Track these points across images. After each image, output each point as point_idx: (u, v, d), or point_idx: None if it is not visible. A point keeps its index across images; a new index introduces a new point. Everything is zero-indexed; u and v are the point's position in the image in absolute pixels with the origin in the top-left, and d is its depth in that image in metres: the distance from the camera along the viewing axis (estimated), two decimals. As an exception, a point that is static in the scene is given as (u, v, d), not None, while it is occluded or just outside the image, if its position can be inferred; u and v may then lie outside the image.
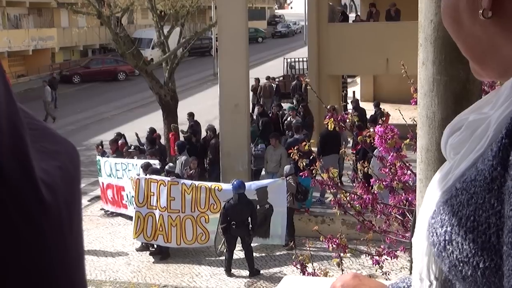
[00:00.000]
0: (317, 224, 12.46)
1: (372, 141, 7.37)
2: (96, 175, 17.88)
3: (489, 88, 6.38)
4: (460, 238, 0.93)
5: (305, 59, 27.82)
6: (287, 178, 14.23)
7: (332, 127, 7.73)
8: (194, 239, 14.36)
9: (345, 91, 25.49)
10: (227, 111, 16.67)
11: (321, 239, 7.89)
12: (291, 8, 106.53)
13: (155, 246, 14.84)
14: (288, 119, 20.06)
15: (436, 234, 0.97)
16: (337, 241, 7.47)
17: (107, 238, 15.91)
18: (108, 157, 17.80)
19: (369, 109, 21.03)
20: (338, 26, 22.81)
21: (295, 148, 8.61)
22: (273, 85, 28.24)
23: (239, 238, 13.45)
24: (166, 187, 14.36)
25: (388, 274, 7.92)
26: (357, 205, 7.62)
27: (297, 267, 7.97)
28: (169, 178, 14.50)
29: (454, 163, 1.01)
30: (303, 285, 2.99)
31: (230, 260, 13.55)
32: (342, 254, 7.64)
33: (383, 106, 19.15)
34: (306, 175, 8.61)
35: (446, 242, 0.95)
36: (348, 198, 7.73)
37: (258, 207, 13.93)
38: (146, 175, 14.86)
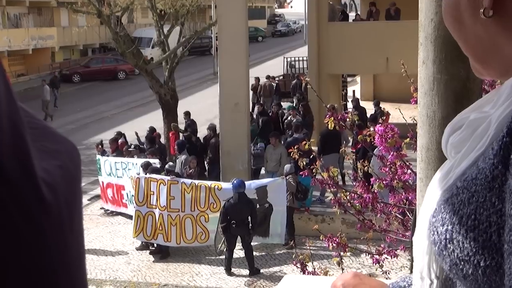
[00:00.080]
0: (317, 223, 12.46)
1: (372, 140, 7.37)
2: (96, 174, 17.88)
3: (489, 87, 6.39)
4: (461, 236, 0.93)
5: (305, 58, 27.83)
6: (287, 177, 14.24)
7: (332, 126, 7.73)
8: (193, 238, 14.36)
9: (345, 90, 25.50)
10: (227, 110, 16.67)
11: (321, 238, 7.89)
12: (291, 7, 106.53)
13: (155, 245, 14.84)
14: (289, 118, 20.06)
15: (437, 232, 0.97)
16: (337, 240, 7.48)
17: (107, 237, 15.91)
18: (108, 156, 17.80)
19: (369, 108, 21.03)
20: (338, 25, 22.82)
21: (295, 147, 8.61)
22: (273, 84, 28.25)
23: (239, 237, 13.46)
24: (166, 186, 14.36)
25: (388, 273, 7.92)
26: (357, 204, 7.62)
27: (297, 266, 7.98)
28: (169, 177, 14.50)
29: (455, 162, 1.01)
30: (303, 284, 2.99)
31: (230, 259, 13.55)
32: (342, 253, 7.64)
33: (383, 105, 19.13)
34: (306, 174, 8.61)
35: (447, 240, 0.95)
36: (348, 197, 7.73)
37: (257, 206, 13.93)
38: (146, 174, 14.87)
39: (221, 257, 14.02)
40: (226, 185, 14.10)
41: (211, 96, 28.24)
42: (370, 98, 26.53)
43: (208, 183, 14.61)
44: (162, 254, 14.58)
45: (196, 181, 14.61)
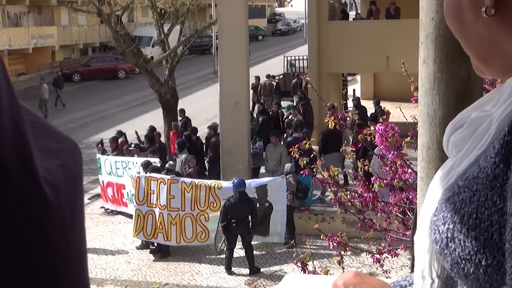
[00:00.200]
0: (317, 222, 12.46)
1: (372, 139, 7.36)
2: (96, 173, 17.88)
3: (489, 86, 6.39)
4: (462, 235, 0.93)
5: (305, 57, 27.82)
6: (287, 177, 14.24)
7: (333, 125, 7.73)
8: (194, 238, 14.36)
9: (345, 89, 25.49)
10: (227, 109, 16.67)
11: (321, 238, 7.89)
12: (291, 6, 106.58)
13: (155, 244, 14.84)
14: (289, 117, 20.06)
15: (438, 231, 0.97)
16: (337, 239, 7.47)
17: (107, 236, 15.91)
18: (108, 155, 17.81)
19: (369, 107, 21.05)
20: (339, 24, 22.82)
21: (295, 147, 8.61)
22: (273, 83, 28.24)
23: (239, 236, 13.46)
24: (166, 185, 14.36)
25: (389, 272, 7.92)
26: (358, 203, 7.62)
27: (297, 265, 7.97)
28: (169, 176, 14.50)
29: (456, 161, 1.01)
30: (304, 283, 2.99)
31: (230, 258, 13.55)
32: (342, 252, 7.63)
33: (383, 104, 19.13)
34: (306, 173, 8.61)
35: (448, 239, 0.95)
36: (348, 197, 7.73)
37: (258, 205, 13.93)
38: (146, 173, 14.87)
39: (221, 256, 14.02)
40: (226, 184, 14.11)
41: (211, 95, 28.23)
42: (370, 97, 26.53)
43: (208, 182, 14.61)
44: (162, 253, 14.58)
45: (196, 180, 14.61)
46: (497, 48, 0.95)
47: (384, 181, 7.40)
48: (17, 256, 0.67)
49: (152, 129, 19.65)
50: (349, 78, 30.43)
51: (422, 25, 3.32)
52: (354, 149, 12.03)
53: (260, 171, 17.69)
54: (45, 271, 0.70)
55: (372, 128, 7.80)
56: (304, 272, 7.73)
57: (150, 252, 14.81)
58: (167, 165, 15.41)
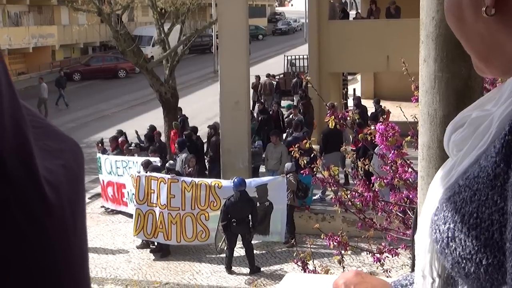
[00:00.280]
0: (318, 222, 12.47)
1: (373, 138, 7.36)
2: (97, 173, 17.89)
3: (490, 85, 6.39)
4: (463, 235, 0.93)
5: (305, 56, 27.82)
6: (288, 176, 14.24)
7: (333, 125, 7.72)
8: (194, 237, 14.36)
9: (345, 89, 25.49)
10: (227, 108, 16.67)
11: (322, 237, 7.89)
12: (292, 5, 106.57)
13: (156, 243, 14.84)
14: (290, 116, 20.06)
15: (439, 231, 0.97)
16: (338, 238, 7.47)
17: (107, 235, 15.92)
18: (108, 154, 17.80)
19: (370, 107, 21.05)
20: (339, 24, 22.81)
21: (295, 146, 8.61)
22: (273, 82, 28.24)
23: (239, 236, 13.46)
24: (166, 184, 14.36)
25: (389, 272, 7.92)
26: (358, 203, 7.62)
27: (298, 265, 7.97)
28: (169, 176, 14.51)
29: (457, 160, 1.01)
30: (305, 283, 2.99)
31: (230, 258, 13.55)
32: (343, 252, 7.63)
33: (384, 103, 19.13)
34: (307, 173, 8.61)
35: (449, 239, 0.95)
36: (349, 196, 7.73)
37: (258, 204, 13.94)
38: (146, 172, 14.87)
39: (221, 255, 14.02)
40: (226, 183, 14.11)
41: (212, 95, 28.22)
42: (370, 96, 26.52)
43: (209, 181, 14.61)
44: (162, 252, 14.59)
45: (197, 179, 14.62)
46: (498, 48, 0.95)
47: (385, 181, 7.40)
48: (17, 255, 0.67)
49: (152, 128, 19.65)
50: (349, 77, 30.41)
51: (422, 24, 3.32)
52: (354, 148, 12.03)
53: (260, 170, 17.69)
54: (46, 271, 0.69)
55: (372, 127, 7.80)
56: (305, 271, 7.73)
57: (151, 252, 14.81)
58: (167, 165, 15.41)
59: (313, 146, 8.48)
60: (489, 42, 0.95)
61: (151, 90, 23.08)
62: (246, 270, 13.55)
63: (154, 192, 14.50)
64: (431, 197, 1.04)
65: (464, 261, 0.93)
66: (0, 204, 0.66)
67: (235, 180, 13.48)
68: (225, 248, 13.72)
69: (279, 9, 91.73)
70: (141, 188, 14.56)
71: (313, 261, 8.25)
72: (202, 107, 29.91)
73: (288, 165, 14.48)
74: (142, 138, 19.64)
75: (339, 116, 7.78)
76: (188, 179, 14.54)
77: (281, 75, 31.65)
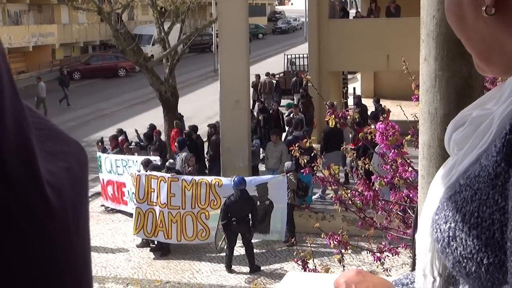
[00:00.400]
0: (318, 221, 12.49)
1: (373, 137, 7.36)
2: (97, 172, 17.88)
3: (490, 84, 6.38)
4: (464, 234, 0.93)
5: (305, 55, 27.81)
6: (288, 175, 14.24)
7: (333, 124, 7.72)
8: (194, 236, 14.37)
9: (346, 88, 25.50)
10: (227, 107, 16.67)
11: (322, 236, 7.89)
12: (292, 4, 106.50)
13: (156, 242, 14.85)
14: (291, 115, 20.06)
15: (440, 230, 0.98)
16: (338, 237, 7.47)
17: (107, 234, 15.92)
18: (108, 153, 17.80)
19: (370, 105, 21.06)
20: (339, 22, 22.81)
21: (295, 145, 8.61)
22: (273, 81, 28.24)
23: (239, 235, 13.46)
24: (167, 183, 14.37)
25: (389, 271, 7.92)
26: (358, 202, 7.62)
27: (298, 264, 7.97)
28: (169, 175, 14.51)
29: (458, 159, 1.01)
30: (306, 281, 2.99)
31: (230, 257, 13.56)
32: (343, 251, 7.63)
33: (384, 102, 19.13)
34: (307, 172, 8.61)
35: (450, 238, 0.95)
36: (349, 195, 7.73)
37: (258, 203, 13.93)
38: (146, 171, 14.88)
39: (221, 254, 14.02)
40: (227, 181, 14.11)
41: (212, 93, 28.21)
42: (370, 95, 26.52)
43: (209, 179, 14.60)
44: (162, 251, 14.59)
45: (197, 178, 14.62)
46: (498, 47, 0.95)
47: (385, 180, 7.40)
48: (19, 257, 0.66)
49: (152, 127, 19.63)
50: (349, 76, 30.42)
51: (423, 23, 3.32)
52: (352, 147, 12.03)
53: (260, 169, 17.69)
54: (48, 275, 0.69)
55: (372, 126, 7.80)
56: (305, 270, 7.73)
57: (151, 250, 14.81)
58: (167, 163, 15.41)
59: (313, 145, 8.48)
60: (490, 41, 0.95)
61: (151, 89, 23.07)
62: (246, 269, 13.55)
63: (154, 191, 14.51)
64: (431, 196, 1.04)
65: (465, 260, 0.93)
66: None
67: (235, 179, 13.48)
68: (225, 247, 13.72)
69: (279, 8, 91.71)
70: (141, 187, 14.56)
71: (313, 260, 8.25)
72: (202, 106, 29.92)
73: (288, 164, 14.48)
74: (142, 137, 19.64)
75: (339, 115, 7.78)
76: (188, 178, 14.54)
77: (281, 74, 31.65)
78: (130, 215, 15.75)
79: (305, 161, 8.42)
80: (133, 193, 15.35)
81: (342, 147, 8.98)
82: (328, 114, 7.74)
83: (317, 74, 21.04)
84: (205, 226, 14.31)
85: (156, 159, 16.01)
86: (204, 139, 19.55)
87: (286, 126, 19.68)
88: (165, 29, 22.75)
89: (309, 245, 8.43)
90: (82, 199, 0.76)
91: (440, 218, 0.98)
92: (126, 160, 16.82)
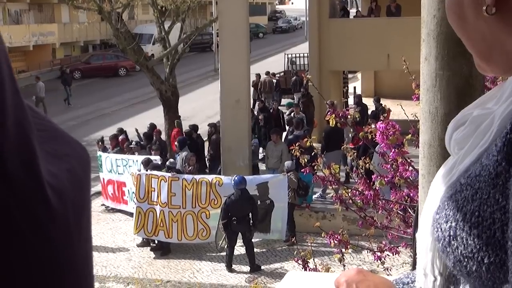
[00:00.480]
0: (318, 220, 12.48)
1: (373, 137, 7.36)
2: (97, 171, 17.88)
3: (491, 84, 6.38)
4: (464, 233, 0.93)
5: (306, 54, 27.81)
6: (289, 174, 14.23)
7: (334, 123, 7.72)
8: (195, 235, 14.37)
9: (346, 87, 25.50)
10: (228, 106, 16.66)
11: (322, 235, 7.88)
12: (292, 3, 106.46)
13: (156, 241, 14.85)
14: (291, 114, 20.05)
15: (441, 229, 0.98)
16: (338, 237, 7.47)
17: (108, 233, 15.92)
18: (109, 152, 17.79)
19: (370, 105, 21.06)
20: (339, 22, 22.81)
21: (296, 145, 8.60)
22: (273, 80, 28.22)
23: (240, 234, 13.46)
24: (167, 182, 14.37)
25: (390, 270, 7.91)
26: (359, 201, 7.61)
27: (298, 263, 7.97)
28: (170, 174, 14.51)
29: (459, 158, 1.01)
30: (306, 281, 3.00)
31: (231, 256, 13.56)
32: (343, 250, 7.63)
33: (384, 101, 19.13)
34: (307, 171, 8.60)
35: (451, 237, 0.96)
36: (349, 194, 7.73)
37: (259, 202, 13.93)
38: (147, 170, 14.88)
39: (222, 253, 14.02)
40: (227, 180, 14.11)
41: (212, 93, 28.22)
42: (371, 94, 26.52)
43: (209, 178, 14.60)
44: (163, 250, 14.59)
45: (197, 177, 14.62)
46: (499, 46, 0.95)
47: (385, 179, 7.40)
48: (19, 258, 0.65)
49: (152, 126, 19.63)
50: (349, 75, 30.40)
51: (424, 22, 3.32)
52: (352, 147, 12.03)
53: (260, 168, 17.69)
54: (49, 279, 0.68)
55: (372, 126, 7.80)
56: (305, 269, 7.73)
57: (151, 250, 14.82)
58: (168, 163, 15.41)
59: (314, 145, 8.48)
60: (490, 40, 0.95)
61: (152, 88, 23.07)
62: (247, 268, 13.55)
63: (154, 190, 14.51)
64: (432, 196, 1.04)
65: (466, 259, 0.93)
66: None
67: (236, 178, 13.48)
68: (226, 246, 13.72)
69: (279, 7, 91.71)
70: (142, 186, 14.56)
71: (313, 259, 8.25)
72: (202, 105, 29.92)
73: (288, 163, 14.48)
74: (142, 136, 19.63)
75: (340, 115, 7.78)
76: (189, 177, 14.54)
77: (282, 73, 31.63)
78: (131, 214, 15.75)
79: (306, 160, 8.42)
80: (133, 192, 15.36)
81: (342, 147, 8.99)
82: (329, 113, 7.74)
83: (318, 73, 21.05)
84: (205, 226, 14.31)
85: (156, 159, 16.01)
86: (205, 138, 19.55)
87: (286, 126, 19.68)
88: (165, 28, 22.75)
89: (309, 244, 8.43)
90: (84, 200, 0.75)
91: (440, 217, 0.98)
92: (127, 159, 16.82)
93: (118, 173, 16.89)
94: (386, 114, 7.91)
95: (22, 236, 0.65)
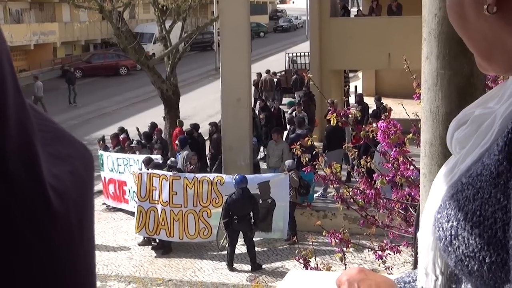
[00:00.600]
0: (319, 219, 12.46)
1: (375, 136, 7.36)
2: (98, 170, 17.88)
3: (492, 83, 6.38)
4: (466, 233, 0.93)
5: (307, 53, 27.80)
6: (290, 173, 14.23)
7: (335, 122, 7.72)
8: (196, 234, 14.38)
9: (347, 86, 25.51)
10: (229, 105, 16.66)
11: (323, 234, 7.89)
12: (293, 2, 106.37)
13: (157, 240, 14.85)
14: (293, 113, 20.05)
15: (442, 228, 0.98)
16: (340, 236, 7.47)
17: (109, 232, 15.93)
18: (110, 152, 17.79)
19: (371, 104, 21.05)
20: (340, 21, 22.80)
21: (297, 143, 8.61)
22: (274, 79, 28.23)
23: (241, 233, 13.46)
24: (168, 181, 14.37)
25: (391, 269, 7.92)
26: (360, 200, 7.62)
27: (299, 262, 7.98)
28: (171, 173, 14.51)
29: (460, 158, 1.01)
30: (307, 280, 3.00)
31: (232, 255, 13.56)
32: (345, 249, 7.64)
33: (385, 101, 19.15)
34: (309, 170, 8.61)
35: (452, 237, 0.96)
36: (351, 193, 7.73)
37: (260, 201, 13.92)
38: (148, 169, 14.88)
39: (223, 252, 14.02)
40: (228, 179, 14.11)
41: (213, 92, 28.20)
42: (372, 93, 26.51)
43: (211, 176, 14.61)
44: (164, 249, 14.59)
45: (199, 175, 14.63)
46: (500, 46, 0.95)
47: (386, 178, 7.40)
48: (19, 259, 0.64)
49: (153, 125, 19.64)
50: (350, 74, 30.40)
51: (425, 21, 3.32)
52: (352, 146, 12.03)
53: (261, 167, 17.70)
54: (50, 275, 0.67)
55: (374, 125, 7.80)
56: (306, 268, 7.74)
57: (152, 249, 14.82)
58: (169, 162, 15.41)
59: (315, 143, 8.48)
60: (491, 39, 0.95)
61: (153, 88, 23.07)
62: (248, 267, 13.55)
63: (156, 189, 14.52)
64: (434, 195, 1.04)
65: (467, 259, 0.93)
66: None
67: (237, 177, 13.48)
68: (227, 245, 13.72)
69: (280, 6, 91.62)
70: (143, 185, 14.57)
71: (314, 258, 8.25)
72: (203, 104, 29.91)
73: (288, 162, 14.47)
74: (142, 135, 19.63)
75: (341, 114, 7.78)
76: (190, 176, 14.55)
77: (283, 72, 31.63)
78: (132, 213, 15.75)
79: (307, 159, 8.42)
80: (134, 191, 15.36)
81: (344, 146, 8.99)
82: (330, 112, 7.74)
83: (319, 72, 21.05)
84: (207, 224, 14.32)
85: (157, 158, 16.01)
86: (206, 137, 19.55)
87: (287, 124, 19.68)
88: (166, 28, 22.76)
89: (310, 243, 8.45)
90: (86, 202, 0.74)
91: (442, 217, 0.98)
92: (128, 158, 16.82)
93: (119, 172, 16.89)
94: (387, 113, 7.91)
95: (22, 236, 0.65)
